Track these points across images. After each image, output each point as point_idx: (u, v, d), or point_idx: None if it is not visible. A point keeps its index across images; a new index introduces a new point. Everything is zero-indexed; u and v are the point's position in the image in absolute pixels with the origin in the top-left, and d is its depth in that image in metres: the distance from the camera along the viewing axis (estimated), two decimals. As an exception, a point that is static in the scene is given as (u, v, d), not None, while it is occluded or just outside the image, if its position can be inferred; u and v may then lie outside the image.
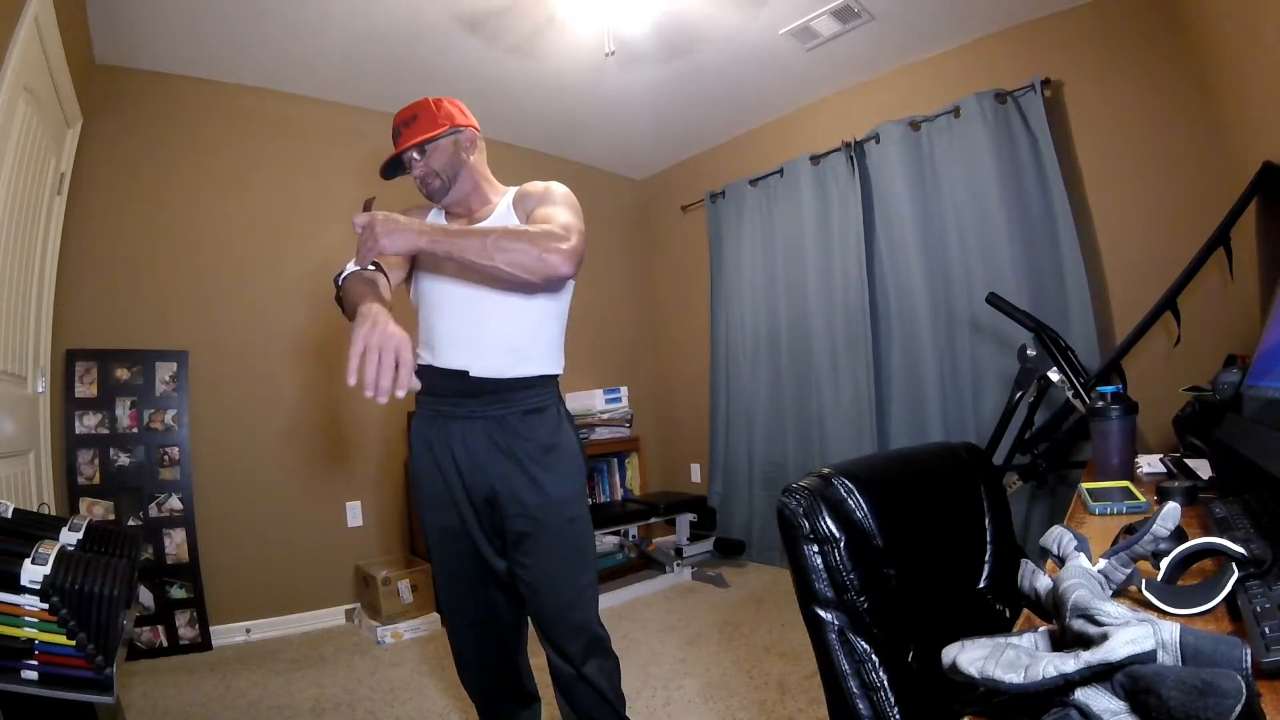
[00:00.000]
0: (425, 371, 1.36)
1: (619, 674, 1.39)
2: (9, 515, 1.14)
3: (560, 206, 1.29)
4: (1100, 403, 1.32)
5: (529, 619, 1.41)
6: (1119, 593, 0.61)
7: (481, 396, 1.29)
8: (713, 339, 3.87)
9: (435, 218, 1.43)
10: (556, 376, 1.38)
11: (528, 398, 1.31)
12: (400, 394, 0.98)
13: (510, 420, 1.30)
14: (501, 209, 1.37)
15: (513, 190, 1.41)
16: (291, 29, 2.49)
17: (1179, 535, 0.64)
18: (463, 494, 1.32)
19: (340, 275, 1.25)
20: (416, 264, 1.40)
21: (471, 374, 1.29)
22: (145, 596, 2.42)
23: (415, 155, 1.35)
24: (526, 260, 1.13)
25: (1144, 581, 0.60)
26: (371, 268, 1.23)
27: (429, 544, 1.40)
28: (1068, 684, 0.41)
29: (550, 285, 1.29)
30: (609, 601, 2.91)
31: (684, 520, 3.53)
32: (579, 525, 1.34)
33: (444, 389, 1.32)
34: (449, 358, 1.31)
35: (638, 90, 3.13)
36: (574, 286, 1.40)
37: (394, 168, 1.39)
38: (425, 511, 1.38)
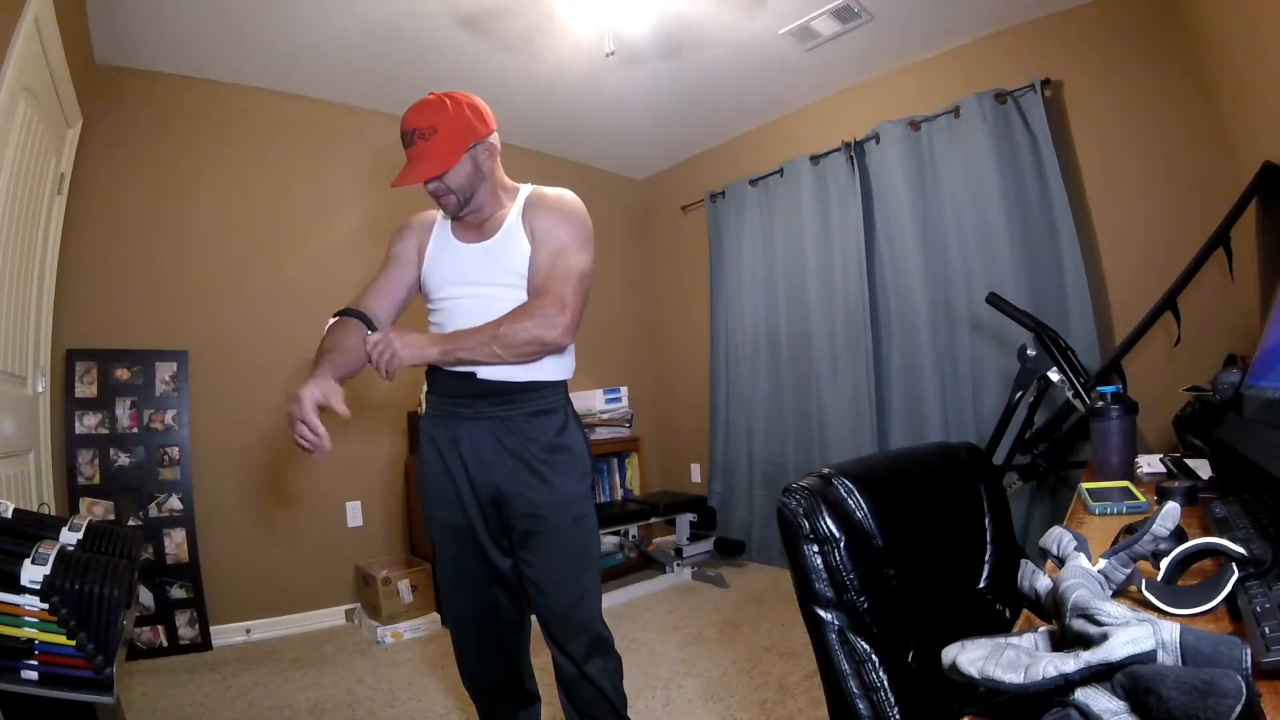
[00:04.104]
0: (434, 373, 1.37)
1: (621, 674, 1.40)
2: (9, 515, 1.14)
3: (569, 248, 1.29)
4: (1100, 403, 1.32)
5: (533, 618, 1.41)
6: (1119, 593, 0.61)
7: (489, 398, 1.30)
8: (713, 339, 3.87)
9: (442, 223, 1.42)
10: (565, 381, 1.38)
11: (535, 400, 1.31)
12: (322, 453, 1.22)
13: (517, 421, 1.30)
14: (512, 218, 1.34)
15: (524, 192, 1.38)
16: (291, 29, 2.49)
17: (1179, 535, 0.64)
18: (469, 492, 1.32)
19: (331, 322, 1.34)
20: (424, 270, 1.39)
21: (478, 376, 1.29)
22: (145, 596, 2.42)
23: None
24: (530, 350, 1.23)
25: (1144, 581, 0.60)
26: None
27: (433, 541, 1.41)
28: (1068, 684, 0.41)
29: None
30: (609, 601, 2.90)
31: (684, 520, 3.53)
32: (584, 525, 1.35)
33: (451, 390, 1.33)
34: None
35: (638, 90, 3.13)
36: None
37: None
38: (430, 509, 1.38)
